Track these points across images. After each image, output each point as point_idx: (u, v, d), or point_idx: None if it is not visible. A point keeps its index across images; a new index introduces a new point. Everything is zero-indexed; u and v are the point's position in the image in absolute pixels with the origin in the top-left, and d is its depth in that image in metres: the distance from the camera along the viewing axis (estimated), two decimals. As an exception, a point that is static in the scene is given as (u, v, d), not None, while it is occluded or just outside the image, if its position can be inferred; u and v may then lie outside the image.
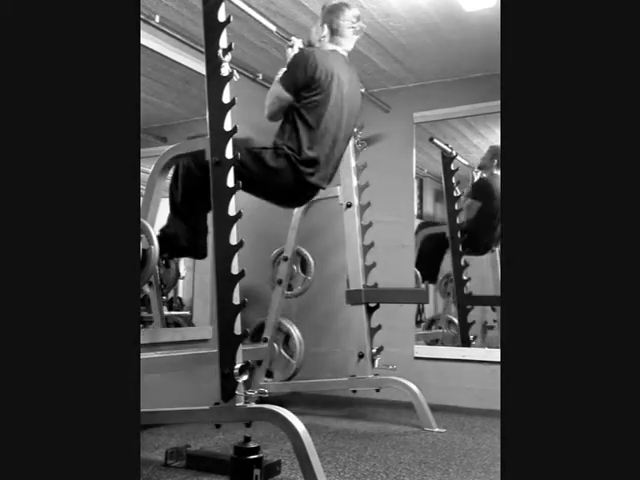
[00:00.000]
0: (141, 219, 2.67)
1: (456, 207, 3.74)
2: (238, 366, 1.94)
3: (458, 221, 3.73)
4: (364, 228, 3.08)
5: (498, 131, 3.77)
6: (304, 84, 2.32)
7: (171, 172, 2.45)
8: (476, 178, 4.01)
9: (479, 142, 4.08)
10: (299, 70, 2.33)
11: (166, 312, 3.19)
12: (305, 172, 2.30)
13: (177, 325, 3.23)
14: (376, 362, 2.92)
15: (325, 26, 2.51)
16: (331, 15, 2.51)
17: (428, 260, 3.96)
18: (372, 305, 2.98)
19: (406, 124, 3.74)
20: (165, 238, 2.34)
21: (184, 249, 2.49)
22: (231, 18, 2.08)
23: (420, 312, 3.98)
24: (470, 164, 4.03)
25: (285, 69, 2.38)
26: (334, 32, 2.50)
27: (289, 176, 2.30)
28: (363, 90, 2.62)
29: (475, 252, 3.91)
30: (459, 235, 3.72)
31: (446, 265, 4.02)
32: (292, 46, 2.55)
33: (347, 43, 2.54)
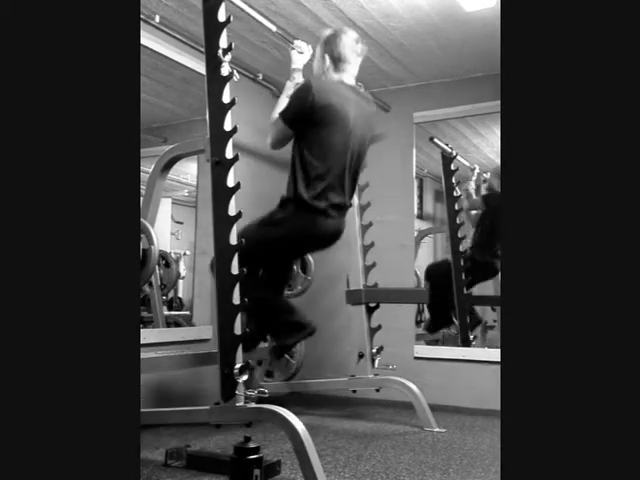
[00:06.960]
0: (141, 219, 2.68)
1: (456, 207, 3.74)
2: (238, 366, 1.94)
3: (458, 221, 3.73)
4: (364, 228, 3.08)
5: (498, 131, 3.77)
6: (304, 117, 2.25)
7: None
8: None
9: (479, 142, 4.08)
10: (299, 103, 2.25)
11: (166, 312, 3.20)
12: (318, 209, 2.27)
13: (177, 325, 3.23)
14: (376, 362, 2.93)
15: (326, 56, 2.41)
16: (330, 45, 2.41)
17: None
18: (372, 305, 2.99)
19: (406, 124, 3.74)
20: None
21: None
22: (231, 18, 2.08)
23: (420, 312, 3.98)
24: (470, 164, 4.03)
25: (287, 102, 2.31)
26: (337, 60, 2.40)
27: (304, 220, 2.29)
28: (375, 114, 2.56)
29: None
30: (459, 235, 3.72)
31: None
32: (301, 52, 2.48)
33: (352, 69, 2.44)
